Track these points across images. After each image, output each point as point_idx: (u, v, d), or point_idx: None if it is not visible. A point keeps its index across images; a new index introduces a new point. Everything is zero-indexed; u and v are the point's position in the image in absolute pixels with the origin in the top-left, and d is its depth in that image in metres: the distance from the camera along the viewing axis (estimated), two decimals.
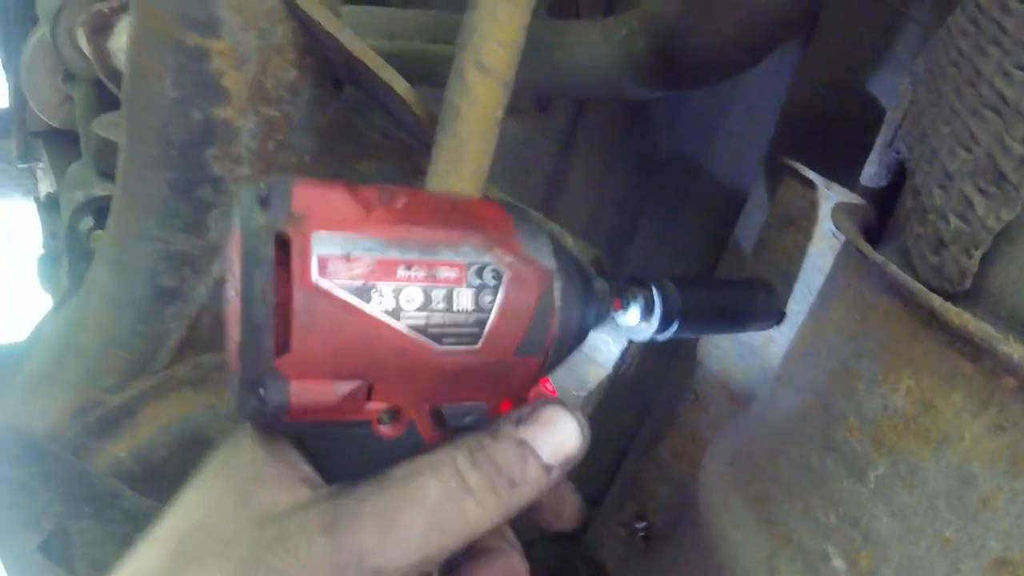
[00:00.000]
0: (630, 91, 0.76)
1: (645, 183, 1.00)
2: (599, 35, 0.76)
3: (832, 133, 0.73)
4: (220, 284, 0.69)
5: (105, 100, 1.43)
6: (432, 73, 0.72)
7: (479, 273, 0.44)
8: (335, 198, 0.43)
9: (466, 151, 0.57)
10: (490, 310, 0.44)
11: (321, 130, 0.70)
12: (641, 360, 0.78)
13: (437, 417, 0.47)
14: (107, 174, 1.15)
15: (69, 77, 1.49)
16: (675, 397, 0.79)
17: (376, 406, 0.44)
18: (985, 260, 0.47)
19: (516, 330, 0.45)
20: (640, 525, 0.86)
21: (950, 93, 0.51)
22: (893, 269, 0.51)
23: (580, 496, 0.57)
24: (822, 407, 0.56)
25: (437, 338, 0.43)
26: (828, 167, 0.67)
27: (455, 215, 0.46)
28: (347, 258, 0.41)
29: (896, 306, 0.52)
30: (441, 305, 0.43)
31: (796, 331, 0.63)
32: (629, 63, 0.73)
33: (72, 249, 1.08)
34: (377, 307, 0.41)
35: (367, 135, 0.71)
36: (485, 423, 0.48)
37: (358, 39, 0.61)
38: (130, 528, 0.62)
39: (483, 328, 0.44)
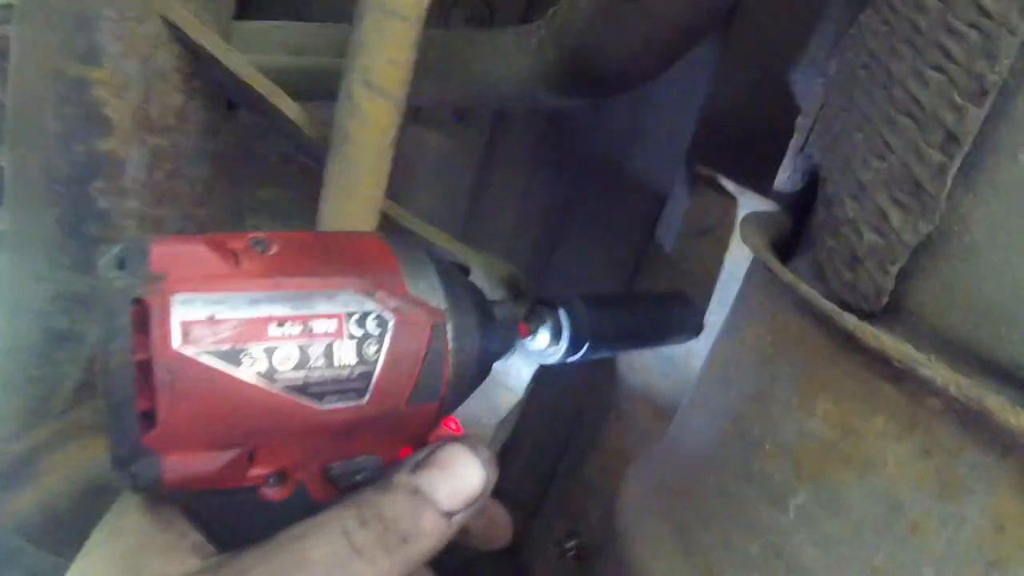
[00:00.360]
0: (544, 101, 0.68)
1: (568, 193, 0.93)
2: (512, 45, 0.69)
3: (750, 137, 0.66)
4: None
5: None
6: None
7: (360, 322, 0.38)
8: (196, 254, 0.36)
9: (359, 176, 0.51)
10: (375, 361, 0.38)
11: (215, 156, 0.62)
12: (565, 377, 0.71)
13: (327, 475, 0.40)
14: None
15: None
16: (598, 415, 0.71)
17: (260, 471, 0.38)
18: (903, 276, 0.40)
19: (405, 379, 0.39)
20: (570, 544, 0.79)
21: (861, 98, 0.44)
22: (805, 289, 0.44)
23: (509, 512, 0.50)
24: (738, 433, 0.49)
25: (318, 397, 0.37)
26: (747, 172, 0.60)
27: (332, 259, 0.40)
28: (211, 320, 0.35)
29: (811, 327, 0.45)
30: (320, 362, 0.36)
31: (707, 356, 0.56)
32: (540, 73, 0.66)
33: None
34: (249, 371, 0.35)
35: (266, 159, 0.63)
36: (381, 473, 0.41)
37: (245, 62, 0.54)
38: None
39: (369, 381, 0.38)
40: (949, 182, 0.38)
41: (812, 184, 0.56)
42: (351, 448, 0.41)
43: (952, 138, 0.38)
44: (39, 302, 0.59)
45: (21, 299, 0.60)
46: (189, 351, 0.34)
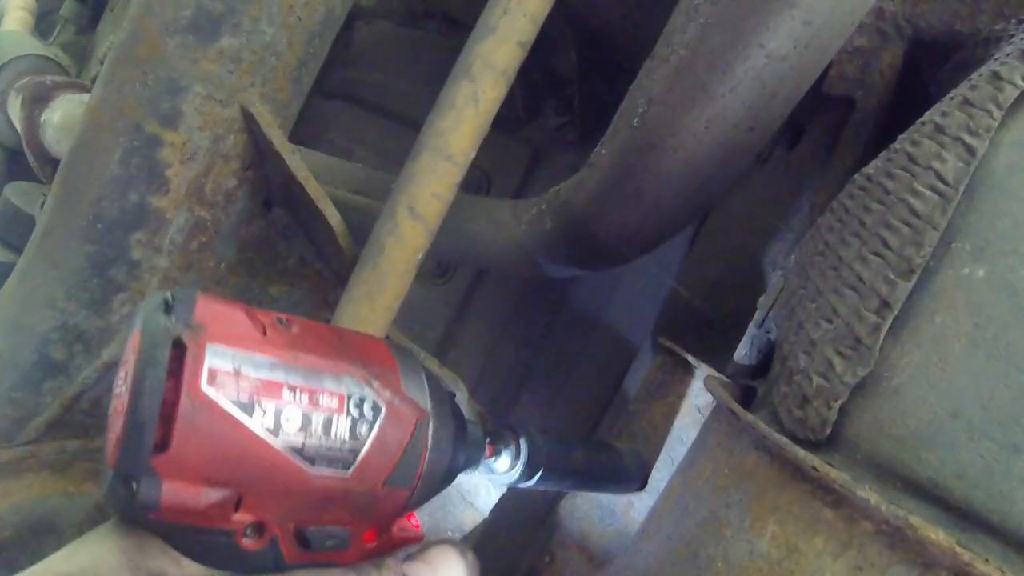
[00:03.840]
0: (531, 267, 0.80)
1: (532, 356, 1.04)
2: (509, 213, 0.81)
3: (710, 321, 0.79)
4: (108, 369, 0.65)
5: (13, 170, 1.38)
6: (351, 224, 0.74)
7: (359, 405, 0.46)
8: (234, 316, 0.45)
9: (383, 286, 0.59)
10: (364, 441, 0.46)
11: (243, 243, 0.69)
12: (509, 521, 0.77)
13: (300, 536, 0.47)
14: (8, 242, 1.11)
15: None
16: (534, 556, 0.77)
17: (242, 518, 0.45)
18: (843, 412, 0.51)
19: (386, 462, 0.47)
20: None
21: (816, 277, 0.58)
22: (762, 426, 0.54)
23: None
24: (691, 554, 0.56)
25: (311, 460, 0.45)
26: (701, 352, 0.73)
27: (343, 347, 0.49)
28: (236, 373, 0.42)
29: (764, 460, 0.54)
30: (319, 430, 0.45)
31: (662, 490, 0.64)
32: (536, 241, 0.78)
33: None
34: (258, 423, 0.43)
35: (284, 259, 0.71)
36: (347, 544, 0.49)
37: (303, 164, 0.64)
38: None
39: (356, 456, 0.46)
40: (882, 338, 0.51)
41: (762, 361, 0.69)
42: (327, 516, 0.48)
43: (885, 304, 0.51)
44: (44, 328, 0.63)
45: (27, 319, 0.63)
46: (212, 394, 0.41)
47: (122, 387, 0.43)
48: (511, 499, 0.67)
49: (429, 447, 0.50)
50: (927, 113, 0.55)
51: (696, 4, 0.59)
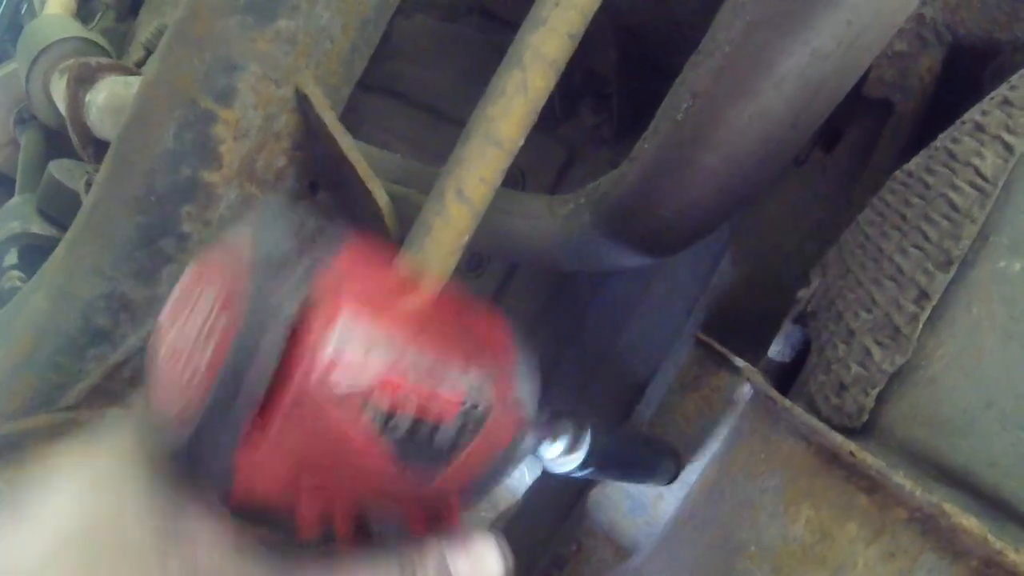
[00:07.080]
0: (567, 261, 0.83)
1: (561, 352, 1.06)
2: (544, 207, 0.84)
3: (740, 323, 0.82)
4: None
5: (52, 149, 1.42)
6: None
7: (470, 411, 0.41)
8: (378, 278, 0.39)
9: (429, 267, 0.60)
10: (462, 450, 0.42)
11: None
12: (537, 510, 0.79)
13: (358, 520, 0.43)
14: (48, 216, 1.14)
15: (21, 120, 1.48)
16: (559, 544, 0.79)
17: (310, 511, 0.40)
18: (879, 399, 0.53)
19: (472, 473, 0.44)
20: None
21: (856, 269, 0.60)
22: (799, 411, 0.56)
23: None
24: (724, 539, 0.58)
25: (404, 462, 0.40)
26: (733, 351, 0.75)
27: (468, 335, 0.43)
28: (365, 355, 0.36)
29: (800, 446, 0.57)
30: (425, 435, 0.40)
31: (696, 478, 0.67)
32: (570, 235, 0.81)
33: None
34: (368, 418, 0.37)
35: None
36: (416, 540, 0.46)
37: (354, 145, 0.67)
38: None
39: (448, 465, 0.42)
40: (920, 327, 0.54)
41: (797, 358, 0.71)
42: (390, 510, 0.43)
43: (924, 295, 0.54)
44: (90, 295, 0.66)
45: (74, 286, 0.66)
46: (326, 388, 0.34)
47: (202, 323, 0.36)
48: (538, 487, 0.69)
49: (518, 458, 0.46)
50: (968, 112, 0.58)
51: (743, 1, 0.61)
